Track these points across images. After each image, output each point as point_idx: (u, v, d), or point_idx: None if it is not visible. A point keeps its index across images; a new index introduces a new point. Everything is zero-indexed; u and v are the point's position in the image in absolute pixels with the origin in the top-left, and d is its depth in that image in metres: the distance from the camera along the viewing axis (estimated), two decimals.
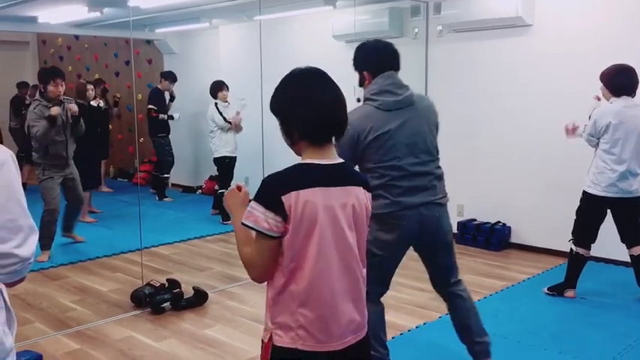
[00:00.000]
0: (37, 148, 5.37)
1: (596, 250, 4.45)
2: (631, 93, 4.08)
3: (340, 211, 1.71)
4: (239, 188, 1.83)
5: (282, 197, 1.64)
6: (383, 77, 2.83)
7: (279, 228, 1.65)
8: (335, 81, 1.78)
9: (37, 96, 5.38)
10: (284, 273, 1.69)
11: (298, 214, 1.64)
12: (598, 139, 4.11)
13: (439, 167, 2.96)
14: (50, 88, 5.29)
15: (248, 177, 6.63)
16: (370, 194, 1.83)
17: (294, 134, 1.73)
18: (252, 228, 1.66)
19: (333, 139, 1.77)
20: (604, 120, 4.04)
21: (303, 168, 1.72)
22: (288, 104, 1.74)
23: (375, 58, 2.88)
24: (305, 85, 1.74)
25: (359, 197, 1.77)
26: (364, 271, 1.82)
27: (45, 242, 5.45)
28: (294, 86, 1.75)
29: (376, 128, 2.76)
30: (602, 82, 4.16)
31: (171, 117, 7.97)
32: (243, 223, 1.68)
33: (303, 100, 1.71)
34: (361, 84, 2.94)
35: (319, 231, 1.67)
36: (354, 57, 2.94)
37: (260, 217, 1.64)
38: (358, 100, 3.52)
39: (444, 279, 3.07)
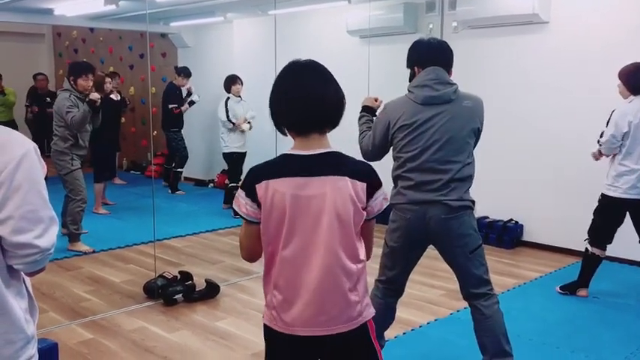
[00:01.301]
0: (66, 137, 5.37)
1: (611, 249, 4.41)
2: None
3: (317, 200, 1.73)
4: None
5: (256, 186, 1.75)
6: (426, 72, 2.84)
7: (256, 214, 1.78)
8: (332, 73, 1.82)
9: (67, 86, 5.42)
10: (265, 256, 1.83)
11: (268, 202, 1.74)
12: (621, 141, 4.03)
13: (464, 170, 2.88)
14: (80, 81, 5.40)
15: None
16: (362, 183, 1.76)
17: (282, 127, 1.83)
18: (236, 213, 1.83)
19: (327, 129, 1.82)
20: (626, 119, 3.98)
21: (282, 158, 1.81)
22: (273, 99, 1.82)
23: (424, 53, 2.90)
24: (292, 80, 1.80)
25: (340, 187, 1.74)
26: (359, 265, 1.81)
27: (80, 232, 5.57)
28: (279, 81, 1.82)
29: (404, 118, 2.82)
30: (620, 80, 4.12)
31: (192, 102, 7.97)
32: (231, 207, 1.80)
33: (281, 95, 1.79)
34: (410, 80, 2.95)
35: (289, 219, 1.74)
36: (407, 54, 2.96)
37: (242, 202, 1.79)
38: None
39: (463, 287, 2.98)
